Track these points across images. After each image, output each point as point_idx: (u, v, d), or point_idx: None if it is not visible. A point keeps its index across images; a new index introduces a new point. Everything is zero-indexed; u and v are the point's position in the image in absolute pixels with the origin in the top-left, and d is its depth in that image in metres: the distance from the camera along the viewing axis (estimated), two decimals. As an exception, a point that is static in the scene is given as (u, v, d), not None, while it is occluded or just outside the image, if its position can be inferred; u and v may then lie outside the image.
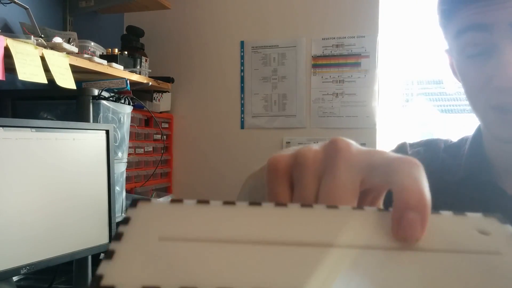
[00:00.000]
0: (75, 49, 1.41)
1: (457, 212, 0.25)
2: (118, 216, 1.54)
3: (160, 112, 2.18)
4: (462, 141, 0.74)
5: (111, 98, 1.49)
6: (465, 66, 0.60)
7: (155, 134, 2.07)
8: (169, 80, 2.21)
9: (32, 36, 1.23)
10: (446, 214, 0.25)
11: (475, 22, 0.55)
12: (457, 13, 0.57)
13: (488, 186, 0.66)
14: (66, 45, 1.36)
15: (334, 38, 2.06)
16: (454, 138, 0.75)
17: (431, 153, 0.74)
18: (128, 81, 1.63)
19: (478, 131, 0.70)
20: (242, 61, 2.20)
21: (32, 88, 1.48)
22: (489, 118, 0.60)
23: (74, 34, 1.56)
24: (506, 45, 0.54)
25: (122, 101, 1.56)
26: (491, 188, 0.66)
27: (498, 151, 0.67)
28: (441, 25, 0.63)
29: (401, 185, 0.24)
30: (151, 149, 2.03)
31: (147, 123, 2.02)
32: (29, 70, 1.15)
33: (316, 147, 0.30)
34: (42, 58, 1.22)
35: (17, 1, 1.35)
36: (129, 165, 1.75)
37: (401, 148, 0.77)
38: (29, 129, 1.12)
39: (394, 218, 0.23)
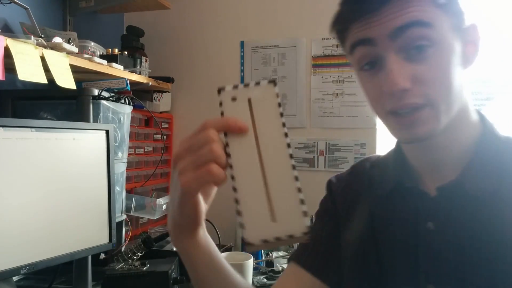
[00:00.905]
0: (75, 49, 1.41)
1: None
2: (118, 216, 1.54)
3: (160, 112, 2.18)
4: (389, 153, 0.78)
5: (111, 98, 1.49)
6: (362, 78, 0.67)
7: (155, 134, 2.07)
8: (169, 80, 2.21)
9: (32, 36, 1.23)
10: None
11: (361, 37, 0.63)
12: (348, 31, 0.65)
13: (414, 191, 0.70)
14: (66, 45, 1.35)
15: (334, 38, 2.05)
16: (384, 152, 0.81)
17: (355, 175, 0.82)
18: (128, 81, 1.63)
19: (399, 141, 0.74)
20: (242, 61, 2.20)
21: (32, 88, 1.48)
22: (389, 123, 0.66)
23: (74, 34, 1.56)
24: (389, 55, 0.61)
25: (122, 101, 1.56)
26: (417, 193, 0.70)
27: (413, 155, 0.72)
28: (339, 44, 0.70)
29: None
30: (151, 149, 2.03)
31: (147, 123, 2.02)
32: (29, 70, 1.15)
33: None
34: (42, 58, 1.22)
35: (17, 1, 1.35)
36: (129, 165, 1.75)
37: (328, 185, 0.85)
38: (29, 129, 1.12)
39: None
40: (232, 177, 0.50)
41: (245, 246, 0.49)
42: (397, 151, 0.75)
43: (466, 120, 0.67)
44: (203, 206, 0.60)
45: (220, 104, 0.54)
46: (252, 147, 0.50)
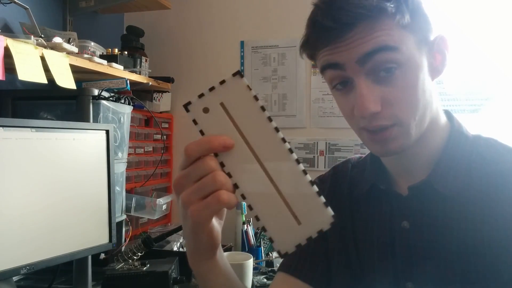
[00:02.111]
0: (75, 49, 1.41)
1: None
2: (118, 216, 1.54)
3: (160, 112, 2.18)
4: (367, 155, 0.81)
5: (111, 98, 1.49)
6: (335, 95, 0.69)
7: (155, 134, 2.07)
8: (169, 80, 2.20)
9: (32, 36, 1.22)
10: None
11: (330, 61, 0.64)
12: (317, 55, 0.66)
13: (388, 192, 0.73)
14: (66, 45, 1.35)
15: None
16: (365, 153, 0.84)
17: (337, 177, 0.83)
18: (128, 81, 1.63)
19: None
20: (242, 61, 2.20)
21: (32, 88, 1.48)
22: (362, 137, 0.68)
23: (74, 34, 1.56)
24: (358, 79, 0.62)
25: (122, 101, 1.56)
26: (391, 194, 0.73)
27: (386, 160, 0.74)
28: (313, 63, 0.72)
29: None
30: (151, 149, 2.03)
31: (147, 123, 2.02)
32: (29, 70, 1.15)
33: None
34: (42, 58, 1.22)
35: (17, 1, 1.35)
36: (129, 165, 1.75)
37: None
38: (29, 129, 1.12)
39: None
40: (243, 196, 0.48)
41: (280, 256, 0.48)
42: (372, 154, 0.78)
43: (436, 125, 0.70)
44: (218, 228, 0.57)
45: (194, 122, 0.49)
46: (248, 157, 0.47)
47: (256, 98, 0.47)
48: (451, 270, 0.64)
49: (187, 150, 0.49)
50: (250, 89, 0.47)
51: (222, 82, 0.48)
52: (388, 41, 0.60)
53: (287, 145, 0.47)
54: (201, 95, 0.49)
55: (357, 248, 0.75)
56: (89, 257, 1.34)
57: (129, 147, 1.74)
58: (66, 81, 1.29)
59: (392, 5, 0.60)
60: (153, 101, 2.18)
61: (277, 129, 0.47)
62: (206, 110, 0.49)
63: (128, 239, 1.68)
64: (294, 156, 0.47)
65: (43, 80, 1.19)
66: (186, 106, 0.50)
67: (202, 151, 0.48)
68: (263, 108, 0.47)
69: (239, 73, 0.48)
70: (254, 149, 0.47)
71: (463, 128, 0.72)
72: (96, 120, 1.42)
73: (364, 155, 0.84)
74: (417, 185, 0.69)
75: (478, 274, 0.63)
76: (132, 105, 1.64)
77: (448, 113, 0.74)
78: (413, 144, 0.66)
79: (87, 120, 1.38)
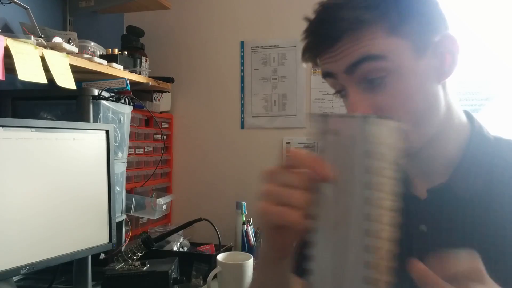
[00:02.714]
0: (75, 49, 1.41)
1: None
2: (118, 216, 1.54)
3: (160, 112, 2.18)
4: None
5: (111, 98, 1.49)
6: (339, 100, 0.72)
7: (155, 134, 2.07)
8: (169, 80, 2.20)
9: (32, 36, 1.22)
10: None
11: (325, 71, 0.66)
12: (316, 62, 0.68)
13: (405, 196, 0.71)
14: (66, 45, 1.35)
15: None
16: None
17: None
18: (128, 81, 1.63)
19: None
20: (242, 61, 2.20)
21: (32, 88, 1.48)
22: None
23: (74, 34, 1.56)
24: (349, 88, 0.64)
25: (122, 101, 1.56)
26: (408, 197, 0.71)
27: (406, 161, 0.71)
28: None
29: None
30: (151, 149, 2.03)
31: (147, 123, 2.02)
32: (29, 70, 1.15)
33: None
34: (42, 58, 1.22)
35: (17, 1, 1.35)
36: (129, 165, 1.75)
37: None
38: (29, 129, 1.12)
39: None
40: (314, 230, 0.47)
41: None
42: None
43: (453, 126, 0.68)
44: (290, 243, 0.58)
45: (319, 136, 0.48)
46: (336, 201, 0.45)
47: (367, 153, 0.44)
48: None
49: (296, 156, 0.50)
50: (368, 141, 0.44)
51: (367, 116, 0.45)
52: (372, 50, 0.60)
53: (372, 228, 0.43)
54: (343, 116, 0.48)
55: None
56: (89, 257, 1.34)
57: (129, 147, 1.74)
58: (66, 81, 1.29)
59: (377, 13, 0.60)
60: (153, 101, 2.18)
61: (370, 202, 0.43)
62: (336, 133, 0.47)
63: (128, 239, 1.68)
64: (366, 225, 0.43)
65: (43, 80, 1.19)
66: (323, 118, 0.48)
67: (308, 167, 0.49)
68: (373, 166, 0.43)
69: (367, 117, 0.45)
70: (342, 202, 0.45)
71: (484, 130, 0.70)
72: (96, 120, 1.42)
73: None
74: (437, 188, 0.67)
75: (497, 281, 0.62)
76: (132, 105, 1.64)
77: (468, 114, 0.72)
78: (419, 149, 0.65)
79: (87, 120, 1.38)
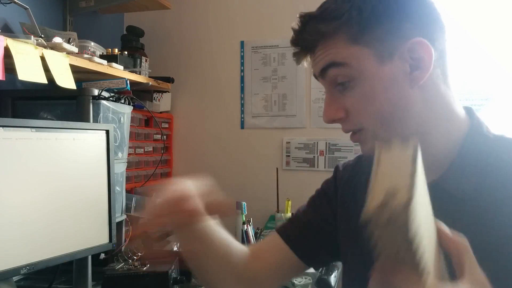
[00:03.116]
0: (75, 49, 1.41)
1: None
2: (118, 216, 1.54)
3: (160, 112, 2.18)
4: None
5: (111, 98, 1.49)
6: None
7: (155, 134, 2.07)
8: (169, 80, 2.20)
9: (32, 36, 1.22)
10: None
11: (313, 73, 0.75)
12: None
13: (433, 187, 0.70)
14: (66, 45, 1.35)
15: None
16: None
17: (358, 166, 0.84)
18: (128, 81, 1.63)
19: None
20: (242, 61, 2.20)
21: (32, 88, 1.48)
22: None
23: (74, 34, 1.56)
24: (326, 89, 0.72)
25: (122, 101, 1.56)
26: (436, 189, 0.69)
27: None
28: None
29: None
30: (151, 149, 2.03)
31: (147, 123, 2.02)
32: (29, 70, 1.15)
33: None
34: (42, 58, 1.22)
35: (17, 1, 1.35)
36: (129, 165, 1.75)
37: (335, 171, 0.89)
38: (29, 129, 1.12)
39: None
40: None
41: None
42: None
43: (439, 124, 0.69)
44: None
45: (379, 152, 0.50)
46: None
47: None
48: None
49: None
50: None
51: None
52: (335, 58, 0.67)
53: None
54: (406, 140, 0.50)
55: (366, 245, 0.75)
56: (89, 257, 1.34)
57: (129, 147, 1.74)
58: (66, 81, 1.29)
59: (339, 24, 0.66)
60: (153, 101, 2.18)
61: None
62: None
63: (128, 239, 1.68)
64: None
65: (43, 80, 1.19)
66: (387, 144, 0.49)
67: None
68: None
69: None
70: None
71: (483, 128, 0.70)
72: (96, 120, 1.42)
73: None
74: (428, 185, 0.67)
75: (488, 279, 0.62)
76: (132, 105, 1.64)
77: (469, 111, 0.73)
78: None
79: (87, 120, 1.38)
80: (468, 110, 0.73)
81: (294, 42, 0.74)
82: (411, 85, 0.66)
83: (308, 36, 0.70)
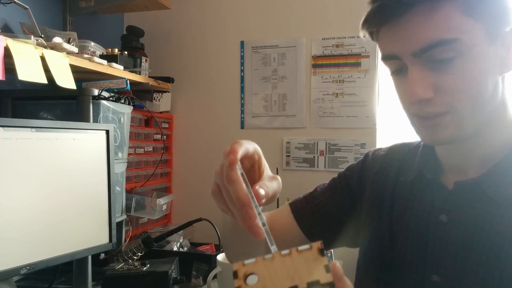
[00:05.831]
0: (75, 49, 1.41)
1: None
2: (118, 216, 1.54)
3: (160, 112, 2.18)
4: (422, 143, 0.79)
5: (111, 98, 1.49)
6: (393, 81, 0.69)
7: (155, 134, 2.07)
8: (169, 80, 2.20)
9: (32, 36, 1.23)
10: None
11: (388, 53, 0.65)
12: (379, 40, 0.66)
13: (433, 183, 0.71)
14: (66, 45, 1.35)
15: (334, 38, 2.06)
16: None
17: (389, 158, 0.82)
18: (128, 81, 1.63)
19: None
20: (242, 61, 2.20)
21: (32, 88, 1.48)
22: (413, 123, 0.67)
23: (74, 34, 1.56)
24: (412, 66, 0.62)
25: (122, 101, 1.56)
26: (436, 185, 0.71)
27: (442, 151, 0.73)
28: (372, 40, 0.71)
29: None
30: (151, 149, 2.03)
31: (147, 123, 2.02)
32: (29, 70, 1.15)
33: None
34: (42, 58, 1.22)
35: (17, 1, 1.35)
36: (129, 165, 1.75)
37: (364, 159, 0.85)
38: (29, 129, 1.12)
39: None
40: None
41: None
42: (426, 144, 0.76)
43: (500, 123, 0.66)
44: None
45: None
46: None
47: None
48: (476, 272, 0.63)
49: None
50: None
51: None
52: (445, 35, 0.58)
53: None
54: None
55: (391, 232, 0.74)
56: (89, 257, 1.34)
57: (129, 147, 1.74)
58: (66, 81, 1.29)
59: None
60: (153, 101, 2.18)
61: None
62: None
63: (128, 239, 1.68)
64: None
65: (43, 80, 1.19)
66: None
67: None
68: None
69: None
70: None
71: None
72: (96, 120, 1.42)
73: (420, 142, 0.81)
74: (465, 182, 0.66)
75: (500, 283, 0.60)
76: (132, 105, 1.64)
77: None
78: (466, 138, 0.64)
79: (87, 120, 1.38)
80: None
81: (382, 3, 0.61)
82: (501, 72, 0.63)
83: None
